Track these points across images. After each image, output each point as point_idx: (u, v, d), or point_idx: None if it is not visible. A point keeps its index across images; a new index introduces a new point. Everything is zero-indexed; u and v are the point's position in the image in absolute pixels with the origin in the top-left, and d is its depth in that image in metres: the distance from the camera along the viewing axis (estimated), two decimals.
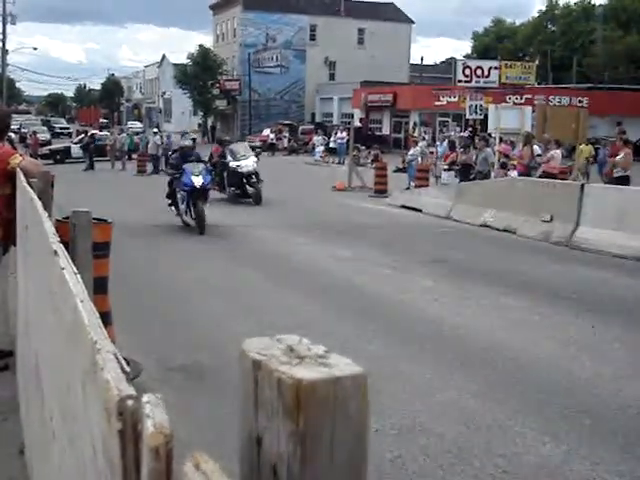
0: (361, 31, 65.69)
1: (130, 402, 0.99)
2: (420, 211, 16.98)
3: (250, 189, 18.65)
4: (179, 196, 13.98)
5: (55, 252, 2.04)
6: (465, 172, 19.40)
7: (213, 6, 69.88)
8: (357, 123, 48.07)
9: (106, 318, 5.01)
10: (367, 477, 0.86)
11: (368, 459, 0.85)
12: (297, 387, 0.79)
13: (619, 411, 4.85)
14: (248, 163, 18.96)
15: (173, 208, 14.42)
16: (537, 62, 57.21)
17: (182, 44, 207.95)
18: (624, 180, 15.14)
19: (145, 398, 0.97)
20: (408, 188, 21.63)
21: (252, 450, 0.86)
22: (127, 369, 1.16)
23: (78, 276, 1.76)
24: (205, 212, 13.41)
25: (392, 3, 71.23)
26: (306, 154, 43.40)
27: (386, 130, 51.64)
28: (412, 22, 70.28)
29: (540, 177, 16.22)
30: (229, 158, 18.85)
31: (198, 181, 13.47)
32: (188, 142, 15.37)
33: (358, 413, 0.83)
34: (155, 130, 37.76)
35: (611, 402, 5.02)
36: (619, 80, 64.18)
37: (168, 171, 14.91)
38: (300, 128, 51.74)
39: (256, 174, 18.86)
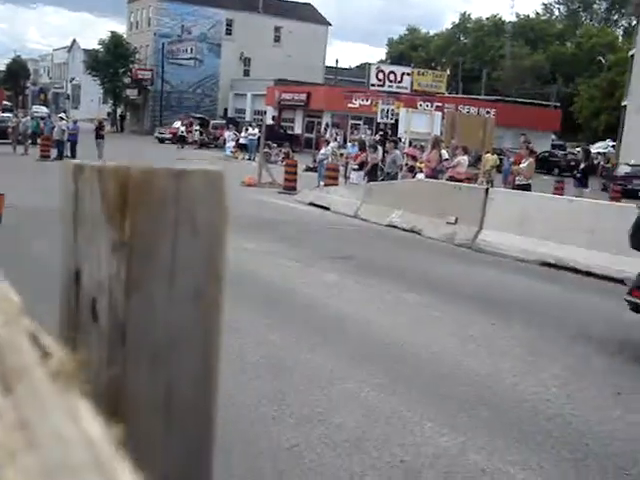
0: (278, 29, 65.56)
1: None
2: (328, 209, 17.01)
3: None
4: None
5: None
6: (373, 173, 19.56)
7: None
8: (269, 121, 48.01)
9: None
10: (223, 322, 0.62)
11: (224, 302, 0.61)
12: (124, 179, 0.55)
13: (516, 404, 4.92)
14: None
15: None
16: (448, 72, 58.56)
17: (94, 30, 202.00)
18: (526, 188, 15.57)
19: None
20: (318, 186, 21.66)
21: (70, 291, 0.62)
22: None
23: None
24: None
25: (310, 4, 71.47)
26: (216, 149, 42.94)
27: (298, 129, 51.72)
28: (329, 24, 70.65)
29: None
30: None
31: None
32: None
33: (210, 224, 0.59)
34: (61, 115, 36.60)
35: (508, 396, 5.09)
36: (525, 95, 66.32)
37: None
38: (212, 122, 51.18)
39: None
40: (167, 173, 0.56)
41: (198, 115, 53.30)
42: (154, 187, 0.55)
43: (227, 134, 41.73)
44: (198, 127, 47.42)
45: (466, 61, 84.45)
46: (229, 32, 63.98)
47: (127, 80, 61.99)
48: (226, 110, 61.63)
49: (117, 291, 0.57)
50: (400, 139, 24.21)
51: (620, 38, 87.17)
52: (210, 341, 0.59)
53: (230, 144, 39.74)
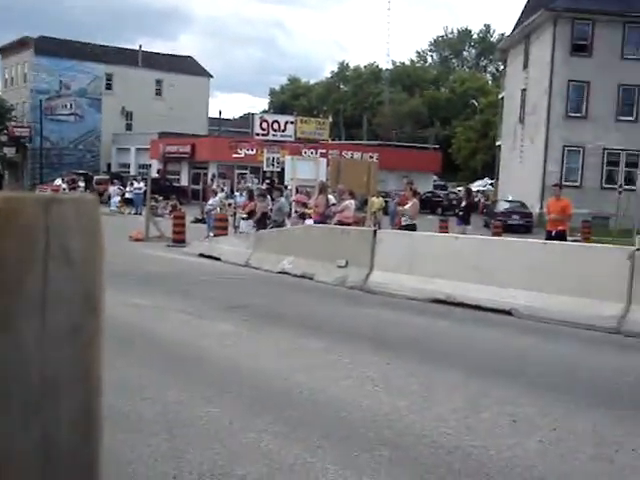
0: (159, 82, 65.38)
1: None
2: (219, 260, 16.87)
3: None
4: None
5: None
6: (262, 221, 19.60)
7: (1, 49, 66.67)
8: (155, 174, 47.52)
9: None
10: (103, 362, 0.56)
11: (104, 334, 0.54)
12: None
13: (416, 440, 4.95)
14: None
15: None
16: (331, 119, 59.83)
17: None
18: (411, 228, 15.96)
19: None
20: (207, 237, 21.51)
21: None
22: None
23: None
24: None
25: (190, 57, 71.79)
26: (101, 204, 42.00)
27: (185, 181, 51.48)
28: (210, 76, 71.04)
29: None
30: None
31: None
32: None
33: (85, 254, 0.52)
34: None
35: (408, 433, 5.11)
36: (405, 139, 68.44)
37: None
38: (95, 178, 50.19)
39: None
40: (35, 201, 0.51)
41: (81, 171, 52.20)
42: (21, 216, 0.50)
43: (112, 189, 41.02)
44: (82, 184, 46.37)
45: (347, 108, 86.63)
46: (109, 87, 63.28)
47: (4, 138, 60.09)
48: (109, 165, 60.68)
49: None
50: (287, 186, 24.45)
51: (490, 82, 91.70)
52: (90, 382, 0.53)
53: (115, 199, 39.07)
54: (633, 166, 37.49)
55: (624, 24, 38.44)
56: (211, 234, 21.99)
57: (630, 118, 38.99)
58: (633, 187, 33.02)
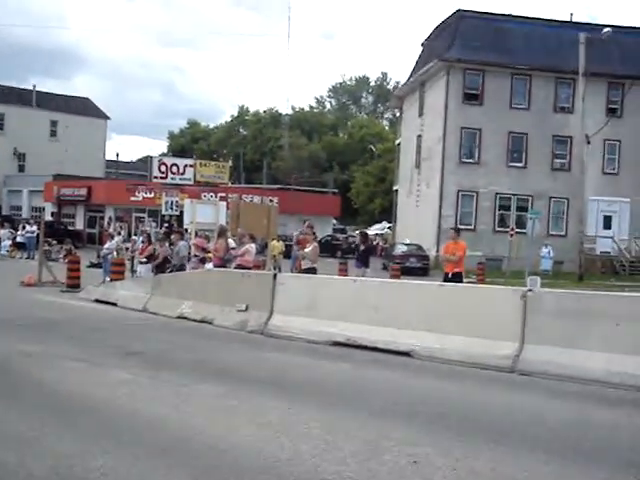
0: (54, 123, 63.92)
1: None
2: (115, 305, 16.47)
3: None
4: None
5: None
6: (161, 265, 19.28)
7: None
8: (49, 217, 46.26)
9: None
10: None
11: None
12: None
13: None
14: None
15: None
16: (230, 163, 59.88)
17: None
18: (312, 271, 16.02)
19: None
20: (104, 282, 20.98)
21: None
22: None
23: None
24: None
25: (87, 98, 70.72)
26: None
27: (80, 225, 50.22)
28: (108, 118, 70.05)
29: None
30: None
31: None
32: None
33: None
34: None
35: (310, 478, 5.06)
36: (305, 183, 69.15)
37: None
38: None
39: None
40: None
41: None
42: None
43: (2, 232, 39.59)
44: None
45: (247, 152, 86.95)
46: (0, 127, 61.38)
47: None
48: (0, 207, 58.59)
49: None
50: (187, 230, 24.20)
51: (387, 128, 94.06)
52: None
53: (6, 243, 37.77)
54: (523, 210, 39.06)
55: (512, 75, 40.27)
56: (107, 279, 21.48)
57: (519, 164, 40.66)
58: (523, 230, 34.43)
